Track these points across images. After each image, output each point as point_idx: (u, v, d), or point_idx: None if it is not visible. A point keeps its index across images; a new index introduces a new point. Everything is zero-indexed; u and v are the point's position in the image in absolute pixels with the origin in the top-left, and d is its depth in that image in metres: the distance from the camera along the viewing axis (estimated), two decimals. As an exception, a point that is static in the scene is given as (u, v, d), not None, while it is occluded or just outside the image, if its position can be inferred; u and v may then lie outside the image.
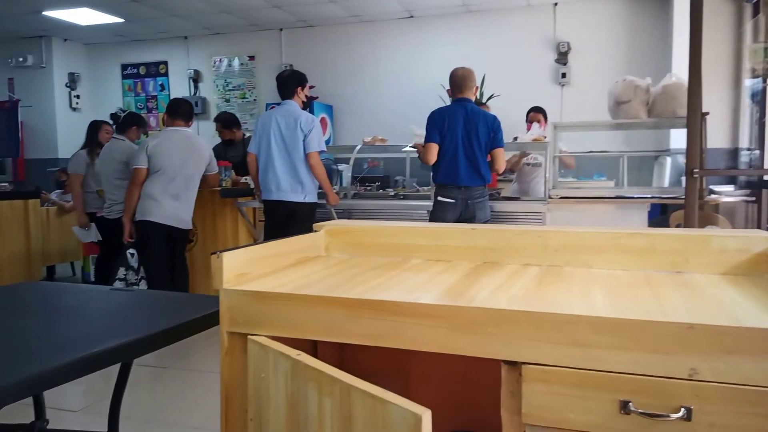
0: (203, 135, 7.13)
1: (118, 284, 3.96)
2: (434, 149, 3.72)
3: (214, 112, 7.76)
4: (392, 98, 7.19)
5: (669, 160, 5.13)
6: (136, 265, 4.03)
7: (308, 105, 4.17)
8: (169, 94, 8.14)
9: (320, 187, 4.07)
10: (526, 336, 0.97)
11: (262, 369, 1.12)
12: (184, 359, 3.60)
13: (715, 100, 5.45)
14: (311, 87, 4.27)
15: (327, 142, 5.71)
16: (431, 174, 3.92)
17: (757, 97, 5.36)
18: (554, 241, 1.41)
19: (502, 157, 3.79)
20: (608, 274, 1.32)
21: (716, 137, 5.59)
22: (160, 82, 8.28)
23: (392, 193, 4.87)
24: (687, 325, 0.90)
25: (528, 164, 4.84)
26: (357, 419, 0.92)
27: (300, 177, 3.94)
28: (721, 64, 5.76)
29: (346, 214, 4.38)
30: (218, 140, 5.53)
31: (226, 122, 5.39)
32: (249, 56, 7.87)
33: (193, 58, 8.09)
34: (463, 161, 3.67)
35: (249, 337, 1.15)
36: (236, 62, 7.93)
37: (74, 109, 8.24)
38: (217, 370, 3.42)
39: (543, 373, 0.96)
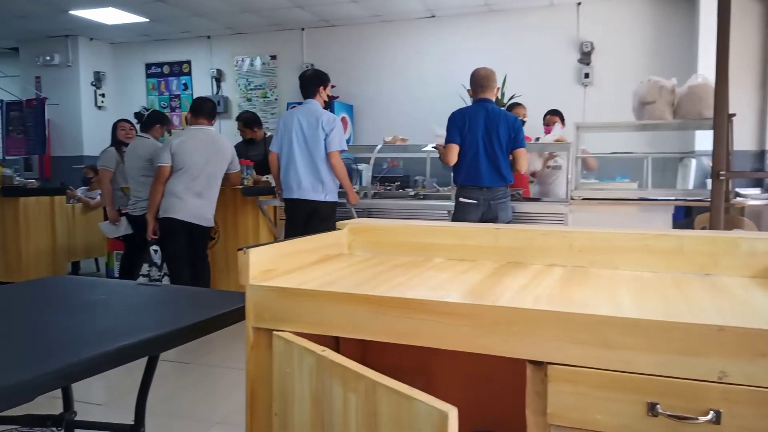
0: (225, 134, 7.19)
1: (141, 280, 4.02)
2: (455, 150, 3.70)
3: (236, 112, 7.83)
4: (413, 98, 7.18)
5: (694, 162, 5.05)
6: (159, 262, 4.09)
7: (329, 104, 4.19)
8: (192, 93, 8.23)
9: (341, 187, 4.08)
10: (552, 336, 0.96)
11: (287, 364, 1.13)
12: (205, 355, 3.64)
13: (741, 101, 5.36)
14: (332, 86, 4.28)
15: (347, 141, 5.72)
16: (452, 175, 3.90)
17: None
18: (580, 241, 1.40)
19: (524, 158, 3.76)
20: (635, 275, 1.30)
21: (743, 139, 5.50)
22: (183, 81, 8.38)
23: (412, 193, 4.87)
24: (717, 327, 0.88)
25: (548, 167, 4.81)
26: (382, 416, 0.92)
27: (321, 176, 3.95)
28: (749, 64, 5.67)
29: (366, 213, 4.39)
30: (240, 139, 5.58)
31: (248, 121, 5.44)
32: (271, 56, 7.92)
33: (215, 58, 8.17)
34: (485, 162, 3.65)
35: (274, 332, 1.16)
36: (258, 62, 7.99)
37: (99, 108, 8.37)
38: (239, 366, 3.45)
39: (569, 373, 0.96)
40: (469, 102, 3.99)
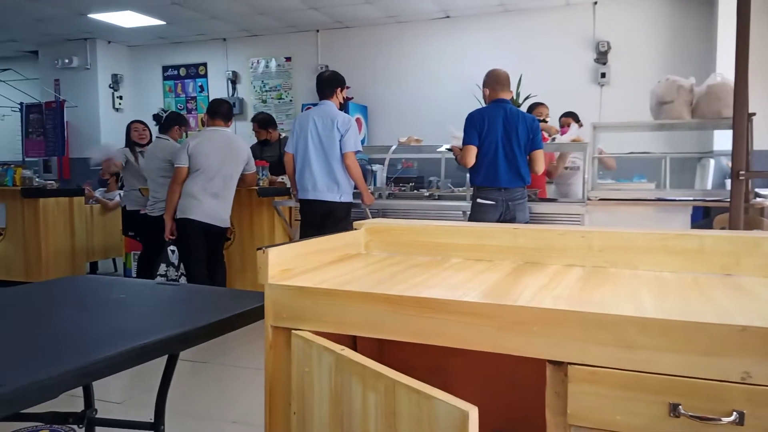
0: (240, 135, 7.23)
1: (159, 280, 4.06)
2: (473, 151, 3.68)
3: (251, 113, 7.87)
4: (427, 99, 7.17)
5: (712, 162, 4.99)
6: (176, 262, 4.13)
7: (344, 106, 4.21)
8: (208, 95, 8.29)
9: (356, 187, 4.09)
10: (573, 336, 0.96)
11: (305, 363, 1.13)
12: (223, 355, 3.67)
13: (761, 100, 5.28)
14: (347, 88, 4.30)
15: (362, 142, 5.73)
16: (468, 176, 3.89)
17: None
18: (599, 241, 1.39)
19: (542, 159, 3.74)
20: (655, 275, 1.29)
21: (763, 139, 5.41)
22: (199, 84, 8.45)
23: (427, 194, 4.86)
24: (740, 328, 0.87)
25: (566, 168, 4.77)
26: (402, 415, 0.92)
27: (336, 177, 3.97)
28: (769, 63, 5.58)
29: (381, 214, 4.39)
30: (255, 140, 5.62)
31: (263, 122, 5.48)
32: (286, 57, 7.96)
33: (231, 60, 8.23)
34: (503, 163, 3.64)
35: (293, 331, 1.17)
36: (273, 63, 8.03)
37: (117, 110, 8.47)
38: (255, 366, 3.47)
39: (589, 374, 0.95)
40: (484, 103, 3.97)
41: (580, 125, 4.85)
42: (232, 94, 8.19)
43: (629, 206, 3.92)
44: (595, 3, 6.46)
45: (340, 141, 3.93)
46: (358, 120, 7.03)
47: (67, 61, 8.21)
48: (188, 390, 3.09)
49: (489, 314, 1.01)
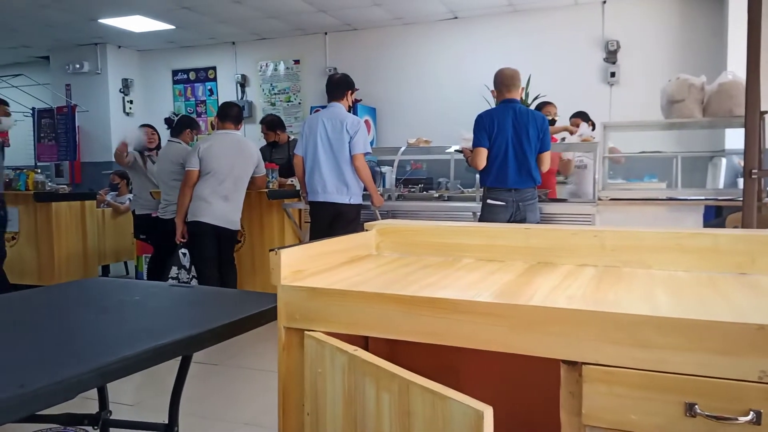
0: (249, 138, 7.24)
1: (171, 282, 4.08)
2: (483, 153, 3.67)
3: (260, 116, 7.90)
4: (436, 100, 7.17)
5: (724, 160, 4.95)
6: (188, 265, 4.15)
7: (352, 108, 4.23)
8: (217, 99, 8.33)
9: (365, 189, 4.10)
10: (587, 336, 0.95)
11: (318, 364, 1.14)
12: (234, 357, 3.68)
13: (773, 98, 5.24)
14: (356, 90, 4.31)
15: (370, 144, 5.75)
16: (478, 177, 3.88)
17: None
18: (611, 241, 1.38)
19: (548, 160, 3.74)
20: (669, 275, 1.28)
21: (775, 137, 5.36)
22: (209, 87, 8.49)
23: (436, 195, 4.86)
24: (757, 326, 0.87)
25: (576, 167, 4.76)
26: (416, 415, 0.92)
27: (345, 179, 3.98)
28: (781, 60, 5.53)
29: (390, 215, 4.39)
30: (264, 142, 5.64)
31: (270, 124, 5.50)
32: (294, 60, 7.99)
33: (240, 63, 8.27)
34: (513, 163, 3.63)
35: (306, 332, 1.17)
36: (282, 66, 8.07)
37: (127, 114, 8.53)
38: (267, 368, 3.48)
39: (604, 373, 0.95)
40: (492, 103, 3.97)
41: (591, 124, 4.83)
42: (241, 98, 8.22)
43: (640, 206, 3.90)
44: (604, 2, 6.44)
45: (349, 143, 3.94)
46: (366, 122, 7.03)
47: (78, 66, 8.29)
48: (200, 392, 3.11)
49: (502, 314, 1.01)
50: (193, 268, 4.17)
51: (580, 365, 0.96)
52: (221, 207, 4.06)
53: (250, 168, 4.23)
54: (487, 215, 3.72)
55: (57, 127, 8.47)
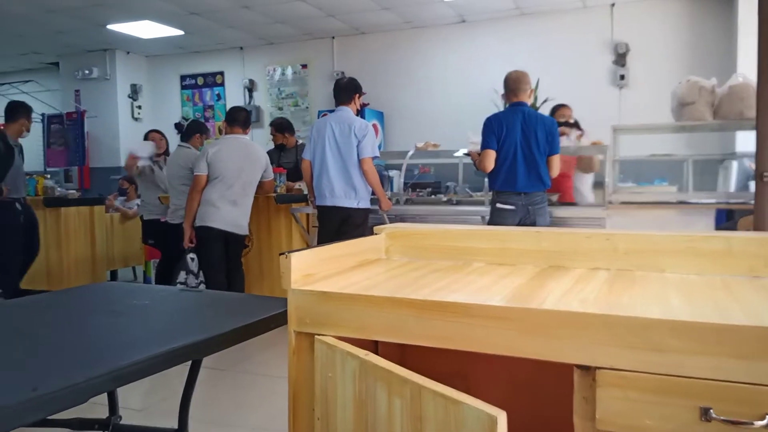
0: (257, 142, 7.29)
1: (180, 287, 4.08)
2: (491, 156, 3.67)
3: (267, 120, 7.92)
4: (444, 104, 7.17)
5: (735, 163, 4.92)
6: (196, 270, 4.15)
7: (360, 112, 4.23)
8: (225, 104, 8.37)
9: (373, 193, 4.10)
10: (601, 340, 0.94)
11: (329, 368, 1.13)
12: (241, 362, 3.68)
13: (784, 100, 5.19)
14: (363, 94, 4.32)
15: (378, 147, 5.76)
16: (487, 181, 3.87)
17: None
18: (624, 244, 1.37)
19: (558, 163, 3.72)
20: (682, 278, 1.27)
21: (786, 139, 5.32)
22: (216, 92, 8.53)
23: (444, 199, 4.85)
24: (773, 330, 0.86)
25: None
26: (428, 420, 0.92)
27: (353, 183, 3.98)
28: (791, 62, 5.49)
29: (399, 219, 4.38)
30: (272, 146, 5.65)
31: (279, 126, 5.52)
32: (302, 65, 8.02)
33: (248, 68, 8.30)
34: (523, 167, 3.62)
35: (316, 336, 1.17)
36: (289, 71, 8.09)
37: (136, 119, 8.58)
38: (275, 373, 3.47)
39: (618, 378, 0.94)
40: (501, 106, 3.96)
41: (581, 133, 4.77)
42: (249, 102, 8.25)
43: (651, 209, 3.87)
44: (613, 5, 6.42)
45: (357, 147, 3.94)
46: (374, 126, 7.03)
47: (87, 72, 8.35)
48: (208, 397, 3.11)
49: (514, 318, 1.00)
50: (201, 272, 4.18)
51: (594, 370, 0.95)
52: (230, 211, 4.07)
53: (258, 172, 4.24)
54: (496, 219, 3.71)
55: (66, 133, 8.53)
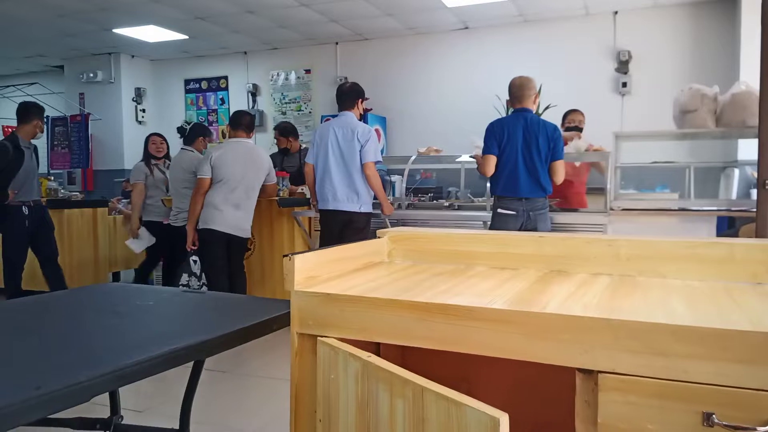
0: (260, 146, 7.31)
1: (182, 289, 4.09)
2: (492, 161, 3.69)
3: (271, 125, 7.96)
4: (446, 109, 7.18)
5: (737, 171, 4.92)
6: (198, 272, 4.16)
7: (363, 117, 4.24)
8: (228, 108, 8.39)
9: (375, 198, 4.10)
10: (603, 344, 0.95)
11: (331, 370, 1.13)
12: (242, 365, 3.68)
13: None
14: (366, 99, 4.33)
15: (380, 152, 5.77)
16: (489, 186, 3.88)
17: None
18: (626, 249, 1.37)
19: (562, 169, 3.72)
20: (685, 284, 1.27)
21: (788, 148, 5.32)
22: (220, 96, 8.55)
23: (446, 204, 4.86)
24: (776, 336, 0.86)
25: None
26: (430, 421, 0.92)
27: (356, 187, 3.98)
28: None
29: (401, 224, 4.39)
30: (275, 149, 5.67)
31: (284, 130, 5.54)
32: (305, 70, 8.04)
33: (252, 73, 8.32)
34: (524, 173, 3.63)
35: (319, 338, 1.17)
36: (293, 76, 8.11)
37: (140, 123, 8.60)
38: (275, 375, 3.47)
39: (620, 382, 0.94)
40: (503, 112, 3.97)
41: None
42: (253, 107, 8.27)
43: (653, 216, 3.87)
44: (616, 12, 6.43)
45: (360, 151, 3.95)
46: (376, 131, 7.05)
47: (91, 75, 8.38)
48: (208, 399, 3.11)
49: (517, 321, 1.01)
50: (203, 275, 4.19)
51: (596, 374, 0.95)
52: (233, 215, 4.08)
53: (261, 176, 4.25)
54: (497, 224, 3.71)
55: (70, 135, 8.56)
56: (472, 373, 1.54)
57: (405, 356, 1.56)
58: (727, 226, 4.29)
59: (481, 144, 3.81)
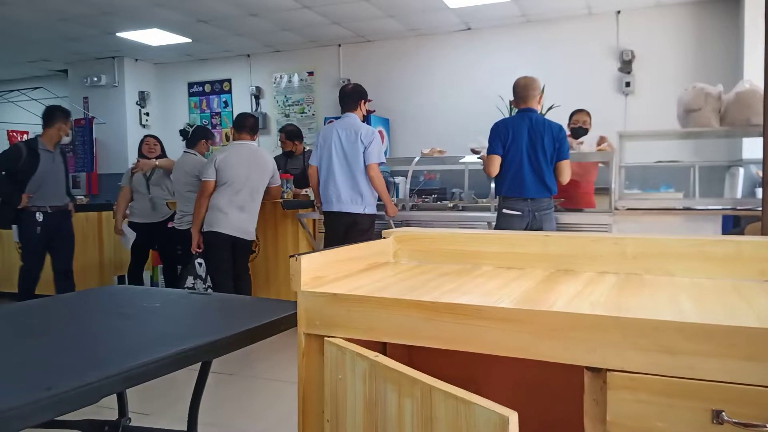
0: (264, 149, 7.33)
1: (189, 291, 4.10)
2: (497, 161, 3.68)
3: (274, 127, 7.98)
4: (449, 111, 7.18)
5: (742, 170, 4.90)
6: (203, 275, 4.17)
7: (366, 118, 4.25)
8: (232, 111, 8.41)
9: (379, 199, 4.10)
10: (611, 342, 0.95)
11: (339, 370, 1.14)
12: (249, 367, 3.68)
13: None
14: (369, 101, 4.34)
15: (384, 154, 5.77)
16: (493, 186, 3.88)
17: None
18: (632, 248, 1.37)
19: (568, 169, 3.72)
20: (692, 282, 1.27)
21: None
22: (224, 99, 8.57)
23: (450, 205, 4.86)
24: (785, 333, 0.86)
25: None
26: (439, 420, 0.92)
27: (360, 188, 3.99)
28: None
29: (405, 225, 4.38)
30: (279, 151, 5.68)
31: (290, 134, 5.55)
32: (308, 72, 8.05)
33: (255, 76, 8.34)
34: (529, 173, 3.63)
35: (326, 338, 1.17)
36: (296, 78, 8.13)
37: (144, 126, 8.62)
38: (282, 377, 3.47)
39: (629, 380, 0.94)
40: (506, 113, 3.97)
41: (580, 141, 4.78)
42: (256, 109, 8.29)
43: (658, 216, 3.87)
44: (618, 12, 6.43)
45: (363, 153, 3.95)
46: (380, 132, 7.06)
47: (95, 79, 8.41)
48: (215, 402, 3.11)
49: (525, 320, 1.01)
50: (208, 277, 4.19)
51: (605, 372, 0.95)
52: (237, 217, 4.09)
53: (265, 178, 4.26)
54: (502, 225, 3.71)
55: (74, 139, 8.58)
56: (479, 373, 1.54)
57: (412, 356, 1.56)
58: (732, 225, 4.28)
59: (485, 142, 3.82)
